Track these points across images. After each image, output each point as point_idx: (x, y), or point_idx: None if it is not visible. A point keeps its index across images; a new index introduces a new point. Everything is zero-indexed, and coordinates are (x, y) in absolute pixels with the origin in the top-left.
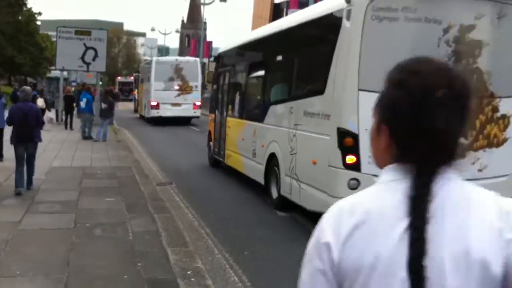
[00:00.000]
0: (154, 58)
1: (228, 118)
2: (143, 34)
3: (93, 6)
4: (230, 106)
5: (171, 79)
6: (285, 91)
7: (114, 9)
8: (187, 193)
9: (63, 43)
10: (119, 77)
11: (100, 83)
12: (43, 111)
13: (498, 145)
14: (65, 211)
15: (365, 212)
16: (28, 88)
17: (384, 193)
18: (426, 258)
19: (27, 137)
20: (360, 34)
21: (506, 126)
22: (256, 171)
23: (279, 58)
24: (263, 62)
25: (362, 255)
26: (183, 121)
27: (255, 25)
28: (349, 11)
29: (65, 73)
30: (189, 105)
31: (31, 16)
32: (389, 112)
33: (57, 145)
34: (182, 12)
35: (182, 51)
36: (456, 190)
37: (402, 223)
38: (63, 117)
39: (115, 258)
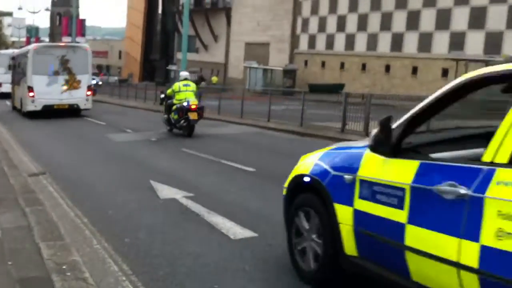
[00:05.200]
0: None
1: (14, 86)
2: (9, 14)
3: None
4: (14, 80)
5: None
6: (21, 74)
7: None
8: (61, 182)
9: None
10: None
11: None
12: None
13: (77, 88)
14: None
15: None
16: None
17: None
18: None
19: None
20: (32, 57)
21: (79, 83)
22: (18, 104)
23: (20, 63)
24: (18, 63)
25: None
26: None
27: (129, 14)
28: (30, 51)
29: None
30: None
31: None
32: None
33: None
34: None
35: (53, 31)
36: None
37: None
38: None
39: None
